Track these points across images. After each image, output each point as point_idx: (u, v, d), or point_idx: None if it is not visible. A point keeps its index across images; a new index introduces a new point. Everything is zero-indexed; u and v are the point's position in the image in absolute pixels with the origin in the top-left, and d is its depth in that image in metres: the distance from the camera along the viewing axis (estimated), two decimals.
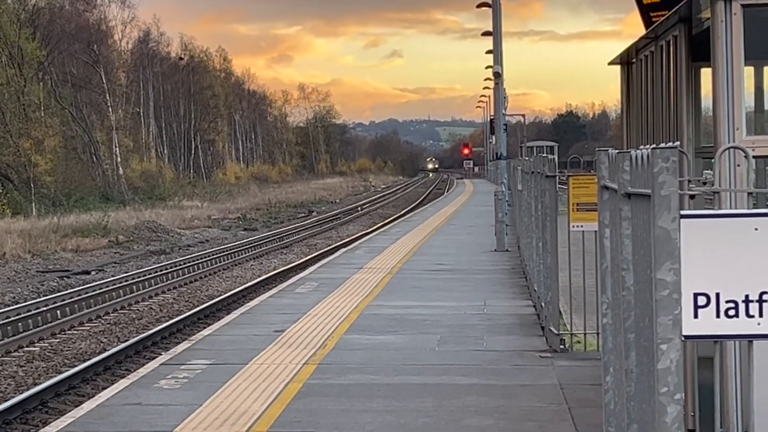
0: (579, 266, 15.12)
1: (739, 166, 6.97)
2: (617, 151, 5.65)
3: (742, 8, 7.12)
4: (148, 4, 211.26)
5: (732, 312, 4.37)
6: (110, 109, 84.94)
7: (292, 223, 62.15)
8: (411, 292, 20.66)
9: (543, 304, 15.49)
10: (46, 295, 28.17)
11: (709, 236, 4.35)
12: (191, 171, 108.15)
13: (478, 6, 45.66)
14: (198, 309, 24.79)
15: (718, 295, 4.37)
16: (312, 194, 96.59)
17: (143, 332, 22.09)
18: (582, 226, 13.86)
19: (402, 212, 65.20)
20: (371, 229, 49.62)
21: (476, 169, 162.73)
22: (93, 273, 34.76)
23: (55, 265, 37.38)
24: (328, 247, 40.92)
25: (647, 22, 11.02)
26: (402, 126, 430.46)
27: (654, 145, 4.46)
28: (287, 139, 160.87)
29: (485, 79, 79.75)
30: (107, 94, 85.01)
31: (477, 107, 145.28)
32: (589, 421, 10.36)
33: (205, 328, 18.20)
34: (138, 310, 26.28)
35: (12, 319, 22.95)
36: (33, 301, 26.48)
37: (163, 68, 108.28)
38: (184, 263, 35.89)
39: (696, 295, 4.36)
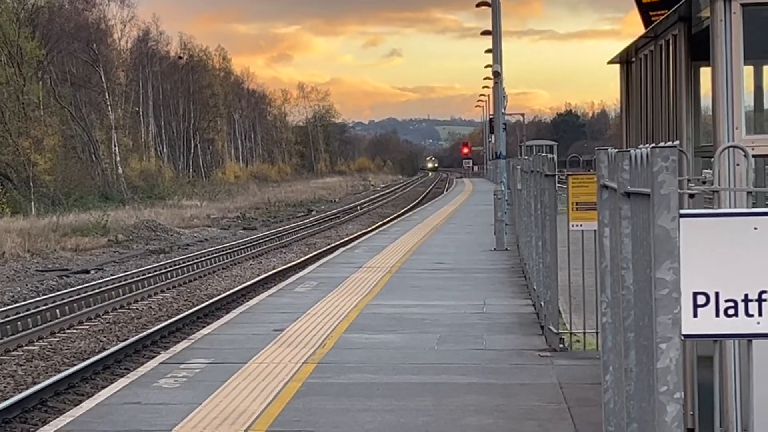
0: (578, 265, 15.13)
1: (738, 165, 6.97)
2: (617, 150, 5.65)
3: (741, 7, 7.12)
4: (147, 3, 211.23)
5: (731, 311, 4.37)
6: (109, 108, 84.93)
7: (291, 222, 62.15)
8: (410, 291, 20.66)
9: (542, 303, 15.49)
10: (46, 294, 28.17)
11: (708, 235, 4.35)
12: (190, 170, 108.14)
13: (478, 5, 45.66)
14: (197, 308, 24.78)
15: (717, 294, 4.37)
16: (311, 193, 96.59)
17: (142, 331, 22.09)
18: (581, 226, 13.86)
19: (401, 211, 65.19)
20: (370, 228, 49.62)
21: (475, 168, 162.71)
22: (92, 272, 34.76)
23: (54, 264, 37.38)
24: (328, 246, 40.92)
25: (646, 21, 11.02)
26: (401, 125, 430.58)
27: (653, 144, 4.46)
28: (286, 139, 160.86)
29: (485, 78, 79.81)
30: (106, 93, 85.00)
31: (476, 106, 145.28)
32: (588, 420, 10.36)
33: (204, 327, 18.20)
34: (137, 309, 26.27)
35: (11, 318, 22.95)
36: (32, 300, 26.47)
37: (162, 67, 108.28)
38: (184, 262, 35.88)
39: (695, 294, 4.36)
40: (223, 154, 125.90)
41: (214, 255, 38.67)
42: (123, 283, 29.55)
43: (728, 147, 6.21)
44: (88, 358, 19.33)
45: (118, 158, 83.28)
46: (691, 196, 5.28)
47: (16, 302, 26.78)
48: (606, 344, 6.09)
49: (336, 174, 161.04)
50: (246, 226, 58.93)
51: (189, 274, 33.03)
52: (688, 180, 6.12)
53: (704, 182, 5.84)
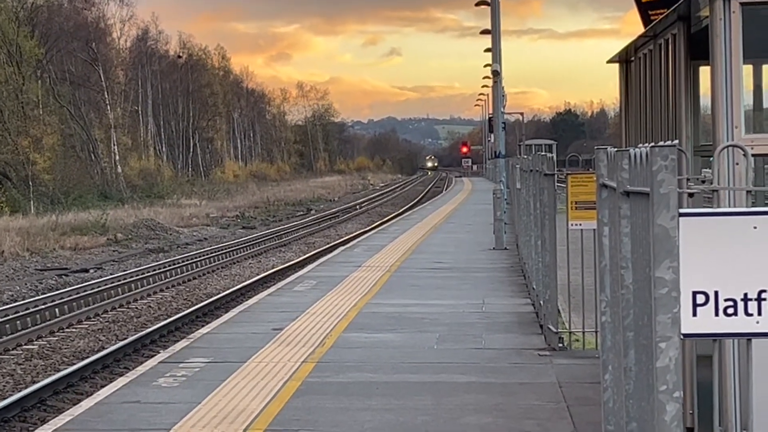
0: (577, 264, 15.13)
1: (737, 164, 6.97)
2: (616, 149, 5.65)
3: (740, 6, 7.12)
4: (146, 2, 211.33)
5: (731, 310, 4.38)
6: (109, 107, 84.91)
7: (290, 221, 62.14)
8: (409, 291, 20.66)
9: (542, 302, 15.49)
10: (45, 293, 28.16)
11: (707, 234, 4.35)
12: (190, 169, 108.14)
13: (477, 4, 45.63)
14: (196, 307, 24.78)
15: (716, 293, 4.37)
16: (310, 192, 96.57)
17: (141, 330, 22.09)
18: (580, 225, 13.86)
19: (400, 210, 65.19)
20: (370, 227, 49.62)
21: (475, 167, 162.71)
22: (91, 271, 34.75)
23: (53, 263, 37.37)
24: (327, 246, 40.92)
25: (646, 20, 11.01)
26: (400, 124, 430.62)
27: (653, 144, 4.46)
28: (286, 138, 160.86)
29: (484, 78, 79.76)
30: (106, 92, 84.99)
31: (476, 105, 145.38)
32: (587, 419, 10.36)
33: (203, 326, 18.20)
34: (136, 308, 26.27)
35: (10, 317, 22.94)
36: (31, 299, 26.47)
37: (161, 66, 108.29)
38: (183, 261, 35.88)
39: (695, 294, 4.36)
40: (222, 153, 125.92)
41: (213, 254, 38.67)
42: (122, 282, 29.54)
43: (727, 146, 6.21)
44: (87, 357, 19.32)
45: (117, 157, 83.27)
46: (691, 195, 5.29)
47: (15, 301, 26.77)
48: (605, 343, 6.09)
49: (335, 173, 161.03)
50: (245, 225, 58.92)
51: (188, 273, 33.02)
52: (688, 179, 6.12)
53: (703, 181, 5.84)
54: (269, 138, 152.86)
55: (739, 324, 4.38)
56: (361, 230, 48.11)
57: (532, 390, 11.85)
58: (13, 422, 15.00)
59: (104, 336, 22.22)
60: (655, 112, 9.76)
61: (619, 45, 13.78)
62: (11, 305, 25.31)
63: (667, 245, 4.28)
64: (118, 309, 25.95)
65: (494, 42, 39.76)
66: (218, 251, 39.86)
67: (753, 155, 6.34)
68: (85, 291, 27.70)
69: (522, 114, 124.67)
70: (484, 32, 47.56)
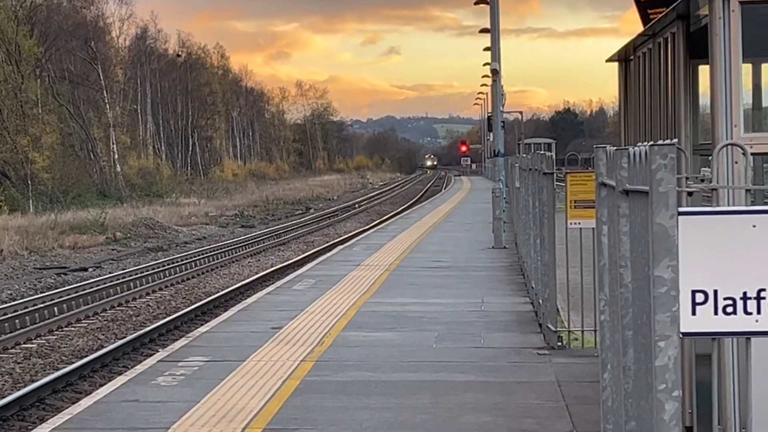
0: (576, 263, 15.13)
1: (737, 163, 6.96)
2: (615, 148, 5.65)
3: (740, 5, 7.12)
4: (145, 0, 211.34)
5: (730, 309, 4.37)
6: (108, 106, 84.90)
7: (289, 220, 62.13)
8: (408, 290, 20.65)
9: (540, 301, 15.49)
10: (44, 292, 28.16)
11: (707, 233, 4.35)
12: (189, 168, 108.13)
13: (476, 3, 45.60)
14: (195, 306, 24.78)
15: (716, 292, 4.37)
16: (309, 191, 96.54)
17: (140, 329, 22.08)
18: (579, 224, 13.87)
19: (399, 209, 65.19)
20: (369, 226, 49.61)
21: (474, 166, 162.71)
22: (90, 270, 34.74)
23: (52, 262, 37.36)
24: (326, 244, 40.91)
25: (645, 19, 11.01)
26: (399, 123, 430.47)
27: (652, 142, 4.46)
28: (285, 136, 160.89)
29: (483, 76, 79.71)
30: (105, 91, 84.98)
31: (475, 104, 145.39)
32: (586, 418, 10.36)
33: (202, 325, 18.19)
34: (135, 307, 26.26)
35: (9, 315, 22.94)
36: (30, 298, 26.46)
37: (160, 65, 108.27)
38: (182, 260, 35.87)
39: (694, 292, 4.36)
40: (221, 151, 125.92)
41: (212, 253, 38.66)
42: (121, 280, 29.54)
43: (727, 145, 6.21)
44: (86, 355, 19.31)
45: (116, 156, 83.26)
46: (690, 194, 5.28)
47: (14, 300, 26.77)
48: (604, 342, 6.09)
49: (334, 172, 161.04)
50: (244, 224, 58.91)
51: (187, 272, 33.02)
52: (687, 178, 6.12)
53: (703, 180, 5.83)
54: (268, 137, 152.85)
55: (739, 323, 4.37)
56: (360, 229, 48.11)
57: (531, 389, 11.85)
58: (12, 421, 14.99)
59: (103, 335, 22.21)
60: (654, 110, 9.76)
61: (618, 44, 13.77)
62: (10, 304, 25.31)
63: (666, 244, 4.28)
64: (117, 308, 25.94)
65: (493, 41, 39.73)
66: (217, 250, 39.85)
67: (752, 154, 6.34)
68: (84, 290, 27.70)
69: (521, 113, 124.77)
70: (483, 31, 47.54)
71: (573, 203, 13.89)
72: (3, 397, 15.88)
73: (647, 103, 10.09)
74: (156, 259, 37.58)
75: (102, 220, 48.81)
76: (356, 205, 75.88)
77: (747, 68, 8.81)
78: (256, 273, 32.60)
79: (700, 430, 7.45)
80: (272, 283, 24.13)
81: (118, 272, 32.66)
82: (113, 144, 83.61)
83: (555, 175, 14.64)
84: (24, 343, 20.99)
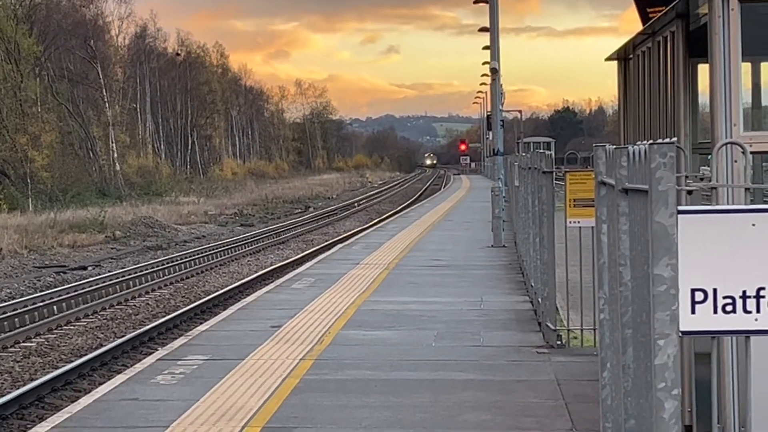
0: (576, 262, 15.13)
1: (736, 161, 6.97)
2: (615, 146, 5.65)
3: (739, 4, 7.12)
4: None
5: (729, 308, 4.37)
6: (107, 105, 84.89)
7: (288, 218, 62.12)
8: (408, 288, 20.65)
9: (540, 299, 15.49)
10: (43, 291, 28.15)
11: (706, 232, 4.35)
12: (188, 167, 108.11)
13: (475, 2, 45.57)
14: (194, 305, 24.77)
15: (715, 290, 4.37)
16: (309, 190, 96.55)
17: (140, 328, 22.08)
18: (579, 222, 13.87)
19: (399, 208, 65.19)
20: (368, 225, 49.61)
21: (473, 165, 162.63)
22: (89, 268, 34.74)
23: (51, 261, 37.36)
24: (325, 243, 40.91)
25: (644, 18, 11.01)
26: (399, 122, 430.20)
27: (651, 141, 4.46)
28: (284, 135, 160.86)
29: (482, 75, 79.68)
30: (104, 90, 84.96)
31: (474, 103, 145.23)
32: (586, 416, 10.36)
33: (201, 323, 18.19)
34: (134, 305, 26.26)
35: (8, 314, 22.93)
36: (29, 297, 26.45)
37: (159, 64, 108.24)
38: (181, 259, 35.87)
39: (693, 291, 4.36)
40: (220, 150, 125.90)
41: (212, 251, 38.66)
42: (120, 279, 29.54)
43: (726, 143, 6.21)
44: (86, 354, 19.32)
45: (115, 155, 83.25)
46: (689, 192, 5.29)
47: (13, 299, 26.76)
48: (604, 341, 6.09)
49: (333, 171, 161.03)
50: (243, 222, 58.91)
51: (186, 270, 33.02)
52: (686, 176, 6.12)
53: (702, 179, 5.84)
54: (267, 135, 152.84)
55: (738, 321, 4.37)
56: (360, 228, 48.11)
57: (530, 387, 11.85)
58: (11, 419, 14.99)
59: (102, 333, 22.21)
60: (653, 109, 9.75)
61: (617, 43, 13.77)
62: (9, 302, 25.30)
63: (665, 242, 4.28)
64: (117, 306, 25.94)
65: (492, 39, 39.70)
66: (216, 249, 39.85)
67: (751, 153, 6.34)
68: (83, 288, 27.69)
69: (520, 111, 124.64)
70: (483, 30, 47.51)
71: (572, 202, 13.89)
72: (2, 396, 15.88)
73: (646, 101, 10.08)
74: (155, 258, 37.58)
75: (101, 219, 48.81)
76: (355, 204, 75.87)
77: (746, 67, 8.81)
78: (256, 272, 32.60)
79: (699, 429, 7.45)
80: (271, 282, 24.13)
81: (118, 271, 32.66)
82: (112, 143, 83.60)
83: (554, 173, 14.64)
84: (23, 342, 20.99)
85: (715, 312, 4.37)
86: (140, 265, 34.46)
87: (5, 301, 26.04)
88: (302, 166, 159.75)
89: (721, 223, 4.36)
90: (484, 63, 60.78)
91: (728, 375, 7.02)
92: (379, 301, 18.76)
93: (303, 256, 35.47)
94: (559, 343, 14.19)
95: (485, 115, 66.69)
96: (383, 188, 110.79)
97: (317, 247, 39.12)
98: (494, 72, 40.06)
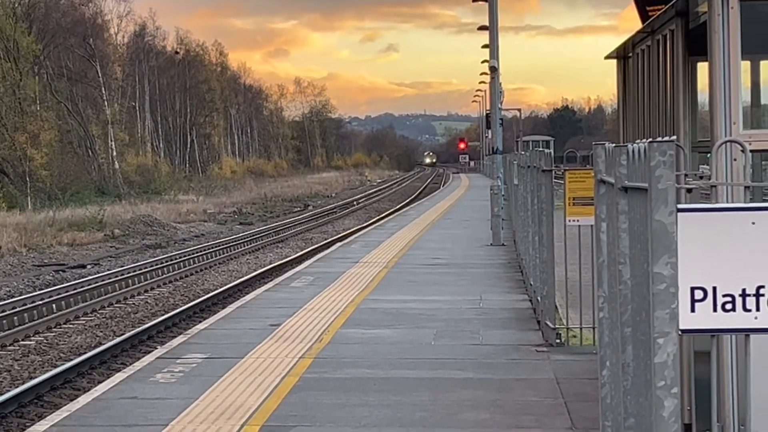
0: (575, 260, 15.13)
1: (735, 160, 6.97)
2: (614, 145, 5.65)
3: (739, 2, 7.12)
4: None
5: (729, 306, 4.37)
6: (106, 103, 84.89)
7: (287, 217, 62.12)
8: (407, 287, 20.65)
9: (539, 298, 15.49)
10: (42, 289, 28.15)
11: (706, 230, 4.35)
12: (187, 165, 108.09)
13: (475, 0, 45.62)
14: (194, 303, 24.78)
15: (715, 289, 4.37)
16: (308, 188, 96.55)
17: (139, 326, 22.08)
18: (578, 221, 13.87)
19: (398, 206, 65.20)
20: (367, 223, 49.62)
21: (472, 163, 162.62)
22: (89, 267, 34.74)
23: (50, 259, 37.35)
24: (324, 242, 40.92)
25: (643, 16, 11.01)
26: (398, 120, 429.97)
27: (651, 140, 4.46)
28: (283, 134, 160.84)
29: (481, 74, 79.74)
30: (103, 88, 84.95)
31: (473, 102, 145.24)
32: (585, 415, 10.36)
33: (200, 322, 18.18)
34: (134, 304, 26.26)
35: (7, 312, 22.93)
36: (28, 295, 26.45)
37: (159, 62, 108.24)
38: (180, 257, 35.87)
39: (693, 289, 4.36)
40: (219, 149, 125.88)
41: (211, 250, 38.66)
42: (119, 278, 29.53)
43: (726, 142, 6.20)
44: (85, 352, 19.31)
45: (114, 153, 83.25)
46: (689, 190, 5.29)
47: (13, 297, 26.76)
48: (603, 339, 6.09)
49: (332, 169, 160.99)
50: (242, 221, 58.91)
51: (185, 269, 33.02)
52: (686, 175, 6.12)
53: (702, 177, 5.84)
54: (266, 134, 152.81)
55: (738, 320, 4.37)
56: (359, 226, 48.11)
57: (529, 386, 11.85)
58: (10, 418, 14.99)
59: (101, 332, 22.21)
60: (652, 108, 9.75)
61: (616, 41, 13.76)
62: (8, 301, 25.31)
63: (665, 241, 4.28)
64: (116, 305, 25.94)
65: (492, 38, 39.73)
66: (215, 247, 39.85)
67: (751, 151, 6.34)
68: (82, 287, 27.69)
69: (519, 110, 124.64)
70: (482, 28, 47.53)
71: (571, 200, 13.89)
72: (2, 394, 15.88)
73: (646, 100, 10.08)
74: (154, 257, 37.57)
75: (100, 217, 48.81)
76: (354, 203, 75.87)
77: (746, 65, 8.81)
78: (255, 270, 32.59)
79: (699, 427, 7.45)
80: (271, 280, 24.12)
81: (117, 269, 32.65)
82: (111, 141, 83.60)
83: (553, 172, 14.64)
84: (22, 341, 20.98)
85: (715, 310, 4.37)
86: (139, 263, 34.46)
87: (4, 300, 26.04)
88: (301, 164, 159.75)
89: (720, 221, 4.36)
90: (484, 61, 60.81)
91: (728, 373, 7.02)
92: (379, 300, 18.76)
93: (302, 255, 35.47)
94: (558, 341, 14.19)
95: (484, 114, 66.72)
96: (382, 187, 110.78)
97: (316, 246, 39.13)
98: (493, 70, 40.07)
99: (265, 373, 12.57)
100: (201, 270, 33.53)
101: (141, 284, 28.98)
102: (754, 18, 7.25)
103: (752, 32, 7.27)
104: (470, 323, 16.11)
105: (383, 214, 56.45)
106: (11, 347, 20.35)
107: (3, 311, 23.35)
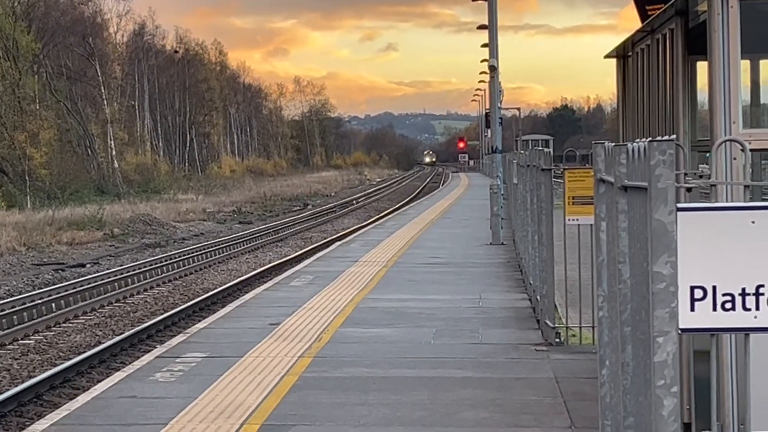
0: (574, 260, 15.12)
1: (735, 159, 6.96)
2: (614, 144, 5.65)
3: (738, 1, 7.12)
4: None
5: (728, 305, 4.37)
6: (105, 102, 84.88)
7: (287, 216, 62.12)
8: (406, 286, 20.65)
9: (538, 297, 15.49)
10: (41, 288, 28.15)
11: (705, 229, 4.35)
12: (186, 164, 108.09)
13: None
14: (193, 302, 24.77)
15: (714, 288, 4.36)
16: (307, 187, 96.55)
17: (138, 325, 22.08)
18: (577, 220, 13.87)
19: (397, 206, 65.20)
20: (366, 222, 49.62)
21: (471, 162, 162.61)
22: (88, 266, 34.73)
23: (50, 258, 37.35)
24: (324, 241, 40.91)
25: (643, 15, 11.01)
26: (397, 119, 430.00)
27: (650, 139, 4.46)
28: (282, 133, 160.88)
29: (481, 73, 79.77)
30: (102, 87, 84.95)
31: (472, 101, 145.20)
32: (584, 414, 10.36)
33: (200, 321, 18.19)
34: (133, 303, 26.26)
35: (7, 311, 22.93)
36: (28, 294, 26.45)
37: (158, 61, 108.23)
38: (179, 256, 35.87)
39: (692, 288, 4.35)
40: (218, 148, 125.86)
41: (210, 249, 38.65)
42: (119, 277, 29.53)
43: (725, 141, 6.20)
44: (84, 351, 19.31)
45: (113, 152, 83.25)
46: (689, 189, 5.28)
47: (12, 296, 26.76)
48: (602, 338, 6.09)
49: (332, 168, 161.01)
50: (242, 220, 58.90)
51: (185, 268, 33.01)
52: (685, 174, 6.12)
53: (701, 176, 5.84)
54: (266, 133, 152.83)
55: (737, 319, 4.37)
56: (358, 225, 48.11)
57: (528, 385, 11.85)
58: (9, 417, 14.99)
59: (101, 331, 22.21)
60: (652, 107, 9.75)
61: (616, 40, 13.76)
62: (8, 300, 25.31)
63: (664, 240, 4.27)
64: (115, 304, 25.94)
65: (491, 37, 39.72)
66: (215, 246, 39.84)
67: (751, 150, 6.34)
68: (81, 286, 27.69)
69: (519, 109, 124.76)
70: (481, 27, 47.52)
71: (571, 199, 13.90)
72: (1, 393, 15.88)
73: (645, 99, 10.08)
74: (153, 256, 37.57)
75: (99, 216, 48.80)
76: (354, 202, 75.86)
77: (745, 64, 8.81)
78: (254, 269, 32.59)
79: (698, 426, 7.45)
80: (270, 280, 24.12)
81: (116, 268, 32.65)
82: (111, 140, 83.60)
83: (553, 171, 14.64)
84: (21, 340, 20.98)
85: (715, 309, 4.36)
86: (138, 262, 34.46)
87: (3, 299, 26.04)
88: (300, 163, 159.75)
89: (720, 220, 4.35)
90: (483, 60, 60.81)
91: (727, 372, 7.02)
92: (378, 299, 18.76)
93: (301, 254, 35.47)
94: (557, 340, 14.19)
95: (484, 113, 66.72)
96: (382, 186, 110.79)
97: (316, 245, 39.12)
98: (493, 69, 40.06)
99: (264, 372, 12.57)
100: (200, 269, 33.54)
101: (140, 283, 28.98)
102: (753, 17, 7.25)
103: (752, 31, 7.27)
104: (469, 322, 16.11)
105: (382, 213, 56.45)
106: (10, 346, 20.35)
107: (2, 310, 23.34)
